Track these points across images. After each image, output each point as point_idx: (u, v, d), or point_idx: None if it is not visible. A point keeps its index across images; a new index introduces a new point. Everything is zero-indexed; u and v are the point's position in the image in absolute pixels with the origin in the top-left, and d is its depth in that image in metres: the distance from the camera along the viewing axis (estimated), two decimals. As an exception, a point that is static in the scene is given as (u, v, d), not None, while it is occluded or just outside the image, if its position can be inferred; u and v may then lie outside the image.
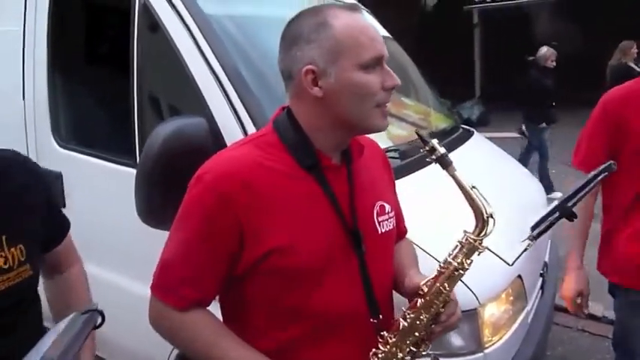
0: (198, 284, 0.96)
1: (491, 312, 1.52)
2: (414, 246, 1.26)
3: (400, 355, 0.96)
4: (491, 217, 0.94)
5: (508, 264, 0.96)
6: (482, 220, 0.94)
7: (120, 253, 1.92)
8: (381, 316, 0.99)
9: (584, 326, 3.16)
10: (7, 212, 0.98)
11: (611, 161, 1.07)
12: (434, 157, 0.95)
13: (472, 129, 2.74)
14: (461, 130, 2.63)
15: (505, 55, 10.60)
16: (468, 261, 0.95)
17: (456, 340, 1.45)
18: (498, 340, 1.52)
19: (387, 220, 1.06)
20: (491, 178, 1.97)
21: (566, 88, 6.37)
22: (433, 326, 0.97)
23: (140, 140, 1.76)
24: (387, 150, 1.80)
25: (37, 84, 2.09)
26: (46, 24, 2.05)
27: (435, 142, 0.95)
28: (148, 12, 1.77)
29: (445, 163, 0.94)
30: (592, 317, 3.17)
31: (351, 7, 0.98)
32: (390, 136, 2.12)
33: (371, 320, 0.98)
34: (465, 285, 1.43)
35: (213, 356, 0.96)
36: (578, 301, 1.79)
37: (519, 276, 1.66)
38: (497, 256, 0.99)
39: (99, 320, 0.90)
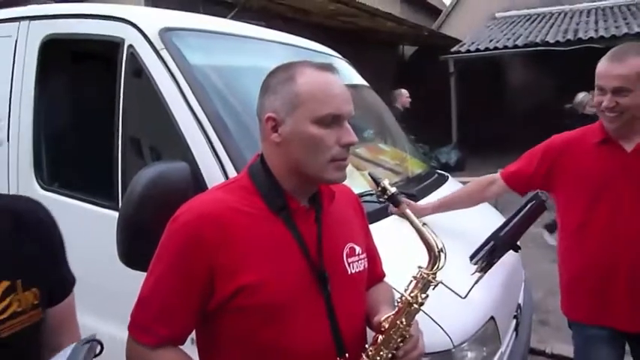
0: (171, 321, 1.00)
1: (465, 353, 1.54)
2: (392, 288, 1.29)
3: None
4: (442, 251, 1.00)
5: (461, 297, 1.01)
6: (434, 255, 1.00)
7: (102, 296, 1.91)
8: (347, 355, 1.02)
9: (560, 369, 3.18)
10: (25, 258, 0.97)
11: (539, 191, 1.16)
12: (385, 196, 1.02)
13: (447, 174, 2.83)
14: (436, 175, 2.72)
15: (480, 102, 10.99)
16: (423, 295, 1.00)
17: (430, 381, 1.47)
18: (473, 382, 1.54)
19: (357, 261, 1.11)
20: (463, 221, 2.04)
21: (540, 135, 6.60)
22: None
23: (123, 183, 1.80)
24: (363, 195, 1.87)
25: (21, 126, 2.12)
26: (34, 70, 2.10)
27: (386, 182, 1.03)
28: (134, 60, 1.84)
29: (396, 202, 1.01)
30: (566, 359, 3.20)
31: (323, 67, 1.06)
32: (368, 181, 2.20)
33: (337, 359, 1.02)
34: (439, 326, 1.48)
35: None
36: None
37: (492, 317, 1.70)
38: (451, 289, 1.04)
39: (98, 349, 0.92)
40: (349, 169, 2.18)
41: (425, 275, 0.99)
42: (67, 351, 0.87)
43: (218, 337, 1.04)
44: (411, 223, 0.99)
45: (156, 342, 1.00)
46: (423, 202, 2.13)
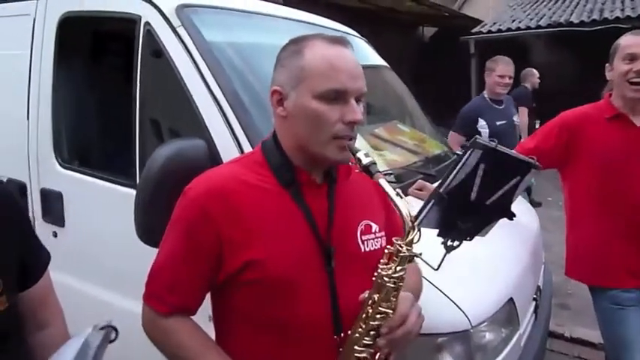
0: (181, 291, 1.02)
1: (483, 334, 1.53)
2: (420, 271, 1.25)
3: None
4: (416, 223, 0.92)
5: (434, 268, 0.95)
6: (408, 227, 0.93)
7: (119, 272, 1.93)
8: (342, 334, 1.00)
9: (580, 353, 3.16)
10: None
11: (477, 136, 1.03)
12: (361, 166, 0.97)
13: (466, 155, 2.78)
14: (454, 156, 2.68)
15: (501, 85, 10.72)
16: (399, 268, 0.93)
17: (448, 361, 1.46)
18: (490, 363, 1.53)
19: (372, 239, 1.09)
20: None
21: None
22: (378, 340, 0.95)
23: (141, 161, 1.80)
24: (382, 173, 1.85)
25: (41, 105, 2.14)
26: (52, 48, 2.11)
27: (361, 153, 0.98)
28: (151, 37, 1.83)
29: (371, 172, 0.96)
30: (587, 344, 3.17)
31: (335, 40, 1.03)
32: (386, 161, 2.17)
33: (334, 337, 1.01)
34: (457, 306, 1.46)
35: None
36: None
37: (511, 299, 1.67)
38: (424, 261, 0.97)
39: (113, 335, 0.93)
40: (367, 148, 2.19)
41: (399, 247, 0.93)
42: (82, 338, 0.88)
43: (229, 312, 1.06)
44: (387, 193, 0.93)
45: (167, 310, 1.03)
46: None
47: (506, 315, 1.65)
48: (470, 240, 0.96)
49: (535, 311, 2.00)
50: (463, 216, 0.93)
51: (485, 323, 1.52)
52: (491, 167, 0.91)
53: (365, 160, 0.97)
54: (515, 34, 9.69)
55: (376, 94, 2.96)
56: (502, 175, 0.95)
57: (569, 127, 2.00)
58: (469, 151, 0.89)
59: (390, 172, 1.96)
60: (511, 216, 1.01)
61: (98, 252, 2.00)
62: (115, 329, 0.93)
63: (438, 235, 0.91)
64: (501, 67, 3.48)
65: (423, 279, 1.44)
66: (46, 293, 1.08)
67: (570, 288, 3.55)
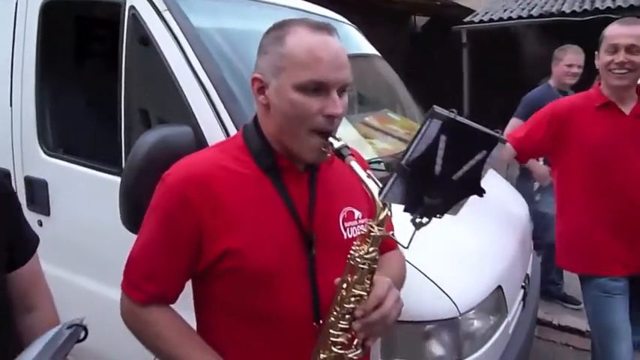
0: (159, 279, 1.00)
1: (472, 322, 1.53)
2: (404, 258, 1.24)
3: (323, 356, 0.95)
4: (380, 196, 0.89)
5: (404, 246, 0.92)
6: (378, 208, 0.91)
7: (105, 261, 1.91)
8: (322, 321, 0.98)
9: (568, 340, 3.18)
10: None
11: (434, 106, 0.97)
12: (333, 150, 0.95)
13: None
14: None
15: (493, 74, 10.77)
16: (372, 249, 0.91)
17: (436, 349, 1.46)
18: (478, 350, 1.53)
19: (355, 226, 1.07)
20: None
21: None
22: (353, 323, 0.93)
23: (126, 149, 1.78)
24: (372, 162, 1.84)
25: (24, 92, 2.10)
26: (35, 34, 2.07)
27: (333, 137, 0.96)
28: (137, 23, 1.79)
29: (342, 155, 0.94)
30: (575, 331, 3.20)
31: (319, 27, 0.98)
32: (376, 149, 2.16)
33: (314, 324, 0.99)
34: (445, 293, 1.46)
35: (173, 354, 0.99)
36: None
37: (499, 287, 1.67)
38: (395, 240, 0.96)
39: (82, 334, 0.90)
40: (357, 137, 2.18)
41: (371, 228, 0.91)
42: (48, 335, 0.86)
43: (209, 301, 1.04)
44: (357, 174, 0.92)
45: (145, 299, 1.00)
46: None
47: (495, 303, 1.66)
48: (440, 217, 0.93)
49: (523, 299, 2.01)
50: (429, 191, 0.90)
51: (474, 311, 1.52)
52: (454, 139, 0.88)
53: (336, 144, 0.95)
54: (506, 24, 9.67)
55: (366, 83, 2.94)
56: (466, 149, 0.92)
57: (559, 117, 2.01)
58: (428, 121, 0.86)
59: (380, 160, 1.94)
60: (481, 193, 0.98)
61: (84, 241, 1.98)
62: (85, 328, 0.91)
63: (405, 211, 0.89)
64: (570, 56, 3.38)
65: (413, 267, 1.44)
66: (34, 277, 1.08)
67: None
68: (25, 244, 1.06)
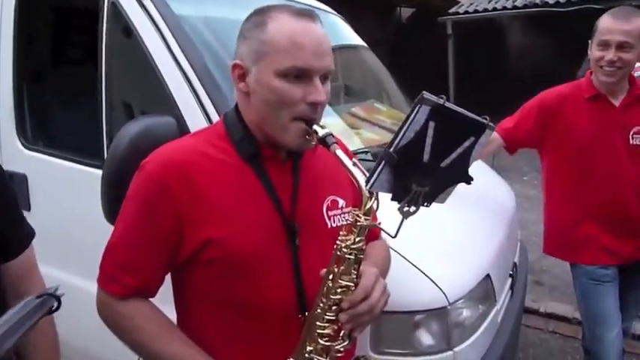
0: (138, 272, 0.97)
1: (461, 311, 1.52)
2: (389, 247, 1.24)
3: (309, 348, 0.93)
4: (367, 185, 0.88)
5: (391, 236, 0.91)
6: (365, 197, 0.89)
7: (87, 256, 1.87)
8: (307, 313, 0.96)
9: (555, 328, 3.22)
10: None
11: (424, 92, 0.95)
12: (318, 139, 0.93)
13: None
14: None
15: (478, 65, 10.81)
16: (358, 239, 0.90)
17: (425, 339, 1.45)
18: (468, 339, 1.53)
19: (339, 214, 1.05)
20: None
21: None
22: (340, 315, 0.91)
23: (108, 141, 1.73)
24: (358, 152, 1.82)
25: (1, 84, 2.04)
26: (12, 22, 2.00)
27: (318, 125, 0.94)
28: (117, 12, 1.74)
29: (327, 144, 0.92)
30: (562, 319, 3.24)
31: (301, 13, 0.96)
32: (363, 139, 2.14)
33: (299, 316, 0.97)
34: (434, 283, 1.45)
35: (153, 349, 0.96)
36: None
37: (488, 275, 1.67)
38: (383, 230, 0.95)
39: (55, 305, 0.87)
40: (344, 127, 2.16)
41: (357, 218, 0.90)
42: (19, 305, 0.83)
43: (190, 293, 1.01)
44: (343, 163, 0.90)
45: (122, 292, 0.97)
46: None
47: (484, 291, 1.65)
48: (428, 206, 0.92)
49: (512, 287, 2.02)
50: (418, 179, 0.88)
51: (463, 300, 1.51)
52: (443, 126, 0.87)
53: (321, 132, 0.92)
54: (491, 15, 9.71)
55: (353, 74, 2.91)
56: (455, 135, 0.91)
57: (548, 108, 1.99)
58: (417, 107, 0.84)
59: (366, 150, 1.92)
60: (469, 180, 0.97)
61: (66, 235, 1.93)
62: (58, 298, 0.88)
63: (392, 200, 0.87)
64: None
65: (401, 257, 1.43)
66: (28, 268, 1.08)
67: (545, 265, 3.62)
68: (18, 236, 1.05)
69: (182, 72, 1.61)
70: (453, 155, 0.92)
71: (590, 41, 1.93)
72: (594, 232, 1.96)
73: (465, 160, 0.95)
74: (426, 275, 1.45)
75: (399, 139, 0.86)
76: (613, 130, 1.90)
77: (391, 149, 0.86)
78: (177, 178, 0.93)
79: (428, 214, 1.04)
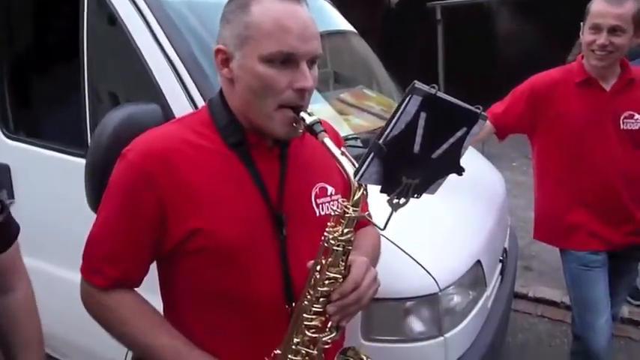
0: (121, 262, 0.94)
1: (451, 297, 1.52)
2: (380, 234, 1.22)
3: (296, 340, 0.92)
4: (356, 177, 0.84)
5: (380, 228, 0.89)
6: (353, 187, 0.87)
7: (71, 246, 1.84)
8: (294, 304, 0.95)
9: (543, 312, 3.25)
10: None
11: (415, 81, 0.93)
12: (305, 126, 0.90)
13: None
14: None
15: (468, 50, 10.78)
16: (346, 230, 0.88)
17: (416, 325, 1.45)
18: (458, 325, 1.53)
19: (328, 202, 1.03)
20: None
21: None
22: (328, 307, 0.89)
23: (92, 130, 1.70)
24: (348, 138, 1.80)
25: (-19, 72, 1.99)
26: (-10, 9, 1.95)
27: (305, 112, 0.91)
28: (98, -4, 1.70)
29: (315, 132, 0.89)
30: (550, 303, 3.27)
31: None
32: (352, 126, 2.12)
33: (286, 307, 0.95)
34: (425, 269, 1.45)
35: (138, 340, 0.94)
36: None
37: (478, 261, 1.67)
38: (372, 222, 0.93)
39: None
40: (333, 113, 2.13)
41: (346, 209, 0.88)
42: None
43: (176, 283, 0.99)
44: (331, 152, 0.87)
45: (105, 283, 0.95)
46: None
47: (474, 277, 1.65)
48: (418, 198, 0.90)
49: (502, 273, 2.02)
50: (408, 171, 0.86)
51: (454, 286, 1.51)
52: (434, 116, 0.84)
53: (309, 119, 0.90)
54: (481, 0, 9.66)
55: (342, 60, 2.88)
56: (447, 126, 0.88)
57: (539, 92, 1.97)
58: (408, 97, 0.82)
59: (356, 136, 1.91)
60: (460, 171, 0.95)
61: (50, 226, 1.90)
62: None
63: (382, 192, 0.85)
64: None
65: (392, 244, 1.42)
66: (14, 261, 1.06)
67: (534, 250, 3.65)
68: (6, 233, 1.03)
69: (167, 58, 1.58)
70: (445, 146, 0.90)
71: (582, 24, 1.90)
72: (585, 218, 1.95)
73: (456, 151, 0.93)
74: (416, 262, 1.45)
75: (389, 130, 0.84)
76: (604, 115, 1.89)
77: (380, 141, 0.84)
78: (159, 165, 0.90)
79: (418, 201, 1.03)
